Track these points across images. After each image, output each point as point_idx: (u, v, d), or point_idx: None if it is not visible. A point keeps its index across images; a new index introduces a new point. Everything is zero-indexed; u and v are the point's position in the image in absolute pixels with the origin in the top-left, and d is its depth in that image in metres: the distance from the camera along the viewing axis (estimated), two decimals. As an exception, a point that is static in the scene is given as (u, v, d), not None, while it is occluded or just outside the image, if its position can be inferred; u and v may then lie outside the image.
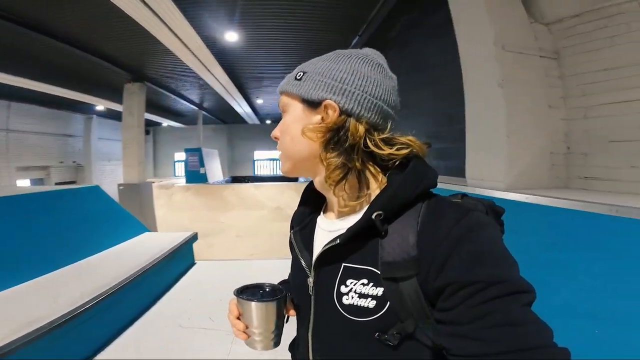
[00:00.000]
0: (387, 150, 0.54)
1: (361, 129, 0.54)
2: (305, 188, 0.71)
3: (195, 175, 12.03)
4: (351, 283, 0.53)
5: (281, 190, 9.68)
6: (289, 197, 9.43)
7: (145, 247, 2.57)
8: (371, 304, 0.50)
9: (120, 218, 3.09)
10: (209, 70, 6.84)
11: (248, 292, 0.64)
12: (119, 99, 8.11)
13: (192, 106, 11.71)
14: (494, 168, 2.22)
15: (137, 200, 7.46)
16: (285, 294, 0.64)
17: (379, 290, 0.50)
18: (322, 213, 0.68)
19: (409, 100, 4.14)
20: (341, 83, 0.56)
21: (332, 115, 0.55)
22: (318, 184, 0.62)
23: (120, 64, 6.74)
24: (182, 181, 12.47)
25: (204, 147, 12.72)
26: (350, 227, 0.53)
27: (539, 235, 1.74)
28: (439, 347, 0.47)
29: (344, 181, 0.55)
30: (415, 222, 0.50)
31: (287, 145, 0.61)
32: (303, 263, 0.63)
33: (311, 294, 0.60)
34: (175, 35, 4.84)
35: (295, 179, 15.31)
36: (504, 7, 2.19)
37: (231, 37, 5.39)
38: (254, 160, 18.47)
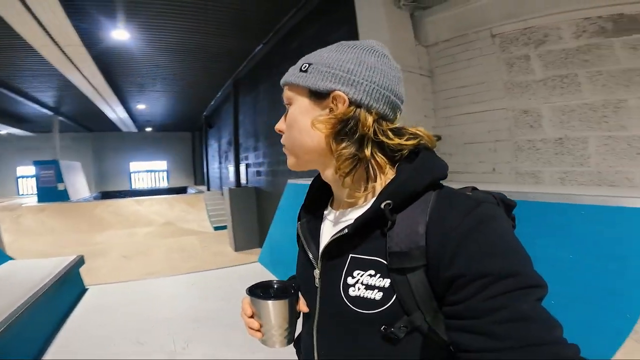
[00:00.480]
0: (396, 140, 0.54)
1: (370, 119, 0.54)
2: (313, 181, 0.71)
3: (52, 193, 10.10)
4: (358, 274, 0.53)
5: (170, 203, 8.92)
6: (181, 210, 8.76)
7: (18, 278, 2.10)
8: (378, 295, 0.50)
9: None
10: (78, 70, 5.88)
11: (259, 291, 0.64)
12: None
13: (44, 110, 9.68)
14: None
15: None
16: (297, 290, 0.63)
17: (386, 282, 0.50)
18: (329, 206, 0.68)
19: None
20: (349, 74, 0.55)
21: (342, 106, 0.55)
22: (328, 176, 0.61)
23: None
24: (32, 200, 10.29)
25: (62, 159, 10.76)
26: (359, 216, 0.53)
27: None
28: (446, 341, 0.48)
29: (353, 172, 0.55)
30: (424, 212, 0.49)
31: (294, 138, 0.60)
32: (310, 255, 0.62)
33: (317, 286, 0.60)
34: (43, 28, 4.05)
35: (184, 190, 14.28)
36: (400, 31, 2.62)
37: (120, 35, 4.79)
38: (131, 173, 16.40)
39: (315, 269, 0.61)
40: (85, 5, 4.04)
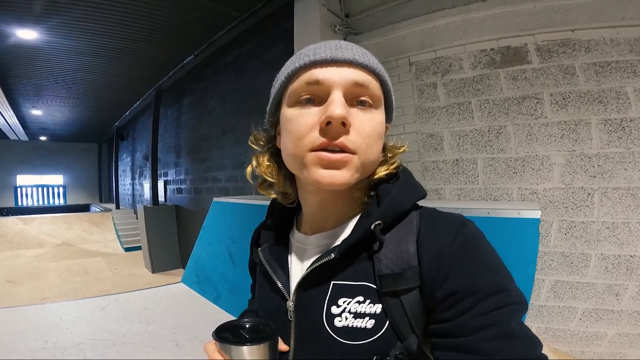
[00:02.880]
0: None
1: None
2: (273, 201, 0.65)
3: None
4: (344, 302, 0.48)
5: (68, 222, 7.78)
6: (83, 230, 7.69)
7: None
8: (369, 323, 0.46)
9: None
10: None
11: (228, 334, 0.52)
12: None
13: None
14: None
15: None
16: (275, 330, 0.52)
17: (377, 308, 0.47)
18: (295, 229, 0.62)
19: (241, 124, 4.36)
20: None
21: (387, 132, 0.56)
22: (343, 197, 0.54)
23: None
24: None
25: None
26: (347, 238, 0.50)
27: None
28: None
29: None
30: (411, 232, 0.48)
31: (377, 154, 0.51)
32: (279, 285, 0.55)
33: (291, 319, 0.54)
34: None
35: (86, 208, 12.54)
36: None
37: (26, 34, 4.21)
38: (17, 187, 13.92)
39: (287, 300, 0.54)
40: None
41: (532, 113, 2.14)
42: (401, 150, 0.56)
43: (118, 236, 8.28)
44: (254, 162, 0.60)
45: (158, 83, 6.55)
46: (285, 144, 0.51)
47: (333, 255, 0.48)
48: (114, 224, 8.79)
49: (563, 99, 2.06)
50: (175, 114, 6.70)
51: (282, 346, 0.53)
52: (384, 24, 2.77)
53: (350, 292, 0.48)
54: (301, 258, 0.57)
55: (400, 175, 0.53)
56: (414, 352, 0.46)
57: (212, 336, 0.51)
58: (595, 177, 1.97)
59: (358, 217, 0.53)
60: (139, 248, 7.02)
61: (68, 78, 6.44)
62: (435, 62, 2.55)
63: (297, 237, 0.60)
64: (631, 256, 1.87)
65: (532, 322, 2.05)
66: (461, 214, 0.51)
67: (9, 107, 7.91)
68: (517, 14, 2.16)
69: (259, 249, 0.62)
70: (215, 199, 3.49)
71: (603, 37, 1.98)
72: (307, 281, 0.52)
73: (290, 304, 0.54)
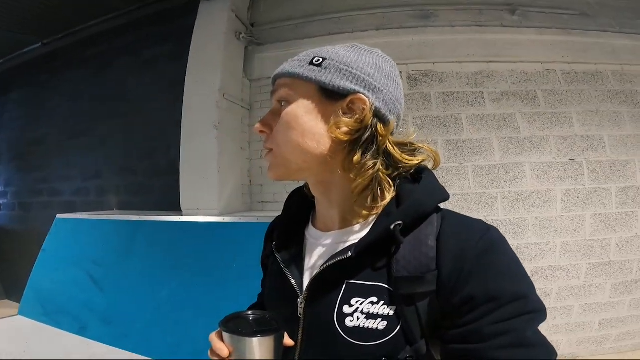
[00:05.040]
0: (405, 157, 0.52)
1: (385, 131, 0.51)
2: (291, 195, 0.65)
3: None
4: (357, 302, 0.48)
5: None
6: None
7: None
8: (381, 325, 0.46)
9: None
10: None
11: (233, 325, 0.51)
12: None
13: None
14: (208, 198, 2.61)
15: None
16: (281, 323, 0.53)
17: (391, 310, 0.46)
18: (311, 225, 0.62)
19: (97, 129, 3.76)
20: (370, 78, 0.51)
21: (365, 111, 0.50)
22: (325, 190, 0.56)
23: None
24: None
25: None
26: (363, 237, 0.49)
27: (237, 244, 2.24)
28: None
29: (370, 187, 0.51)
30: (432, 234, 0.47)
31: (292, 141, 0.52)
32: (292, 281, 0.55)
33: (300, 316, 0.54)
34: None
35: None
36: (232, 61, 2.73)
37: None
38: None
39: (298, 296, 0.54)
40: None
41: (401, 132, 2.59)
42: (408, 164, 0.52)
43: None
44: None
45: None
46: None
47: (350, 254, 0.48)
48: None
49: (421, 121, 2.56)
50: (-7, 111, 5.20)
51: (288, 341, 0.53)
52: (288, 39, 2.89)
53: (364, 292, 0.48)
54: (315, 255, 0.56)
55: (423, 177, 0.52)
56: (423, 356, 0.46)
57: (219, 325, 0.51)
58: (440, 186, 2.57)
59: (375, 216, 0.52)
60: None
61: None
62: None
63: (312, 233, 0.60)
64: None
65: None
66: (483, 220, 0.50)
67: None
68: (399, 45, 2.58)
69: (273, 243, 0.61)
70: (59, 215, 2.92)
71: (452, 70, 2.56)
72: (320, 279, 0.52)
73: (301, 300, 0.53)
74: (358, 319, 0.47)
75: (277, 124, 0.54)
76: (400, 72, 2.36)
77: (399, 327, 0.46)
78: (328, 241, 0.56)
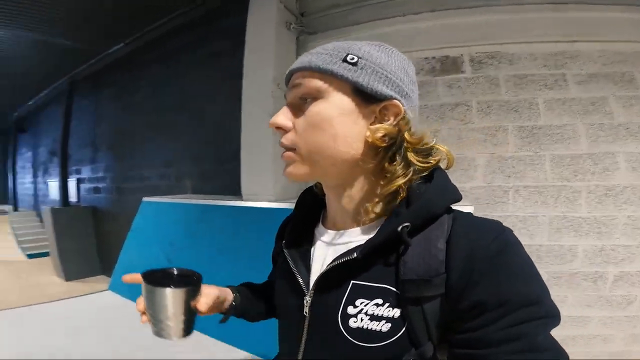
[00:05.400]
0: (422, 160, 0.51)
1: (410, 136, 0.51)
2: (303, 194, 0.65)
3: None
4: (361, 303, 0.47)
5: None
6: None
7: None
8: (385, 327, 0.45)
9: None
10: None
11: (155, 278, 0.58)
12: None
13: None
14: (265, 184, 2.72)
15: None
16: (199, 279, 0.60)
17: (396, 312, 0.45)
18: (321, 224, 0.61)
19: (170, 120, 4.14)
20: (402, 83, 0.51)
21: (398, 117, 0.50)
22: (346, 191, 0.53)
23: None
24: None
25: None
26: (370, 239, 0.49)
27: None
28: None
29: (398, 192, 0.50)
30: (442, 237, 0.46)
31: (320, 142, 0.50)
32: (299, 279, 0.56)
33: (306, 314, 0.54)
34: None
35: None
36: (284, 51, 2.77)
37: None
38: None
39: (304, 295, 0.54)
40: None
41: (462, 118, 2.38)
42: (425, 165, 0.51)
43: (17, 242, 7.20)
44: None
45: (73, 72, 5.86)
46: None
47: (355, 255, 0.48)
48: (12, 228, 7.62)
49: (487, 106, 2.34)
50: (92, 106, 6.03)
51: (201, 305, 0.60)
52: (338, 26, 2.84)
53: (370, 294, 0.47)
54: (324, 254, 0.56)
55: (435, 177, 0.51)
56: (428, 359, 0.45)
57: (141, 276, 0.56)
58: (510, 176, 2.27)
59: (385, 217, 0.51)
60: (45, 254, 6.21)
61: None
62: None
63: (321, 232, 0.59)
64: (540, 245, 2.19)
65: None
66: (499, 221, 0.48)
67: None
68: (457, 26, 2.38)
69: (283, 241, 0.62)
70: (145, 198, 3.28)
71: (524, 52, 2.29)
72: (326, 278, 0.52)
73: (307, 299, 0.54)
74: (362, 320, 0.47)
75: (302, 122, 0.51)
76: (462, 55, 2.13)
77: (403, 329, 0.45)
78: (336, 240, 0.56)
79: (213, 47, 3.64)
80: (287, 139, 0.52)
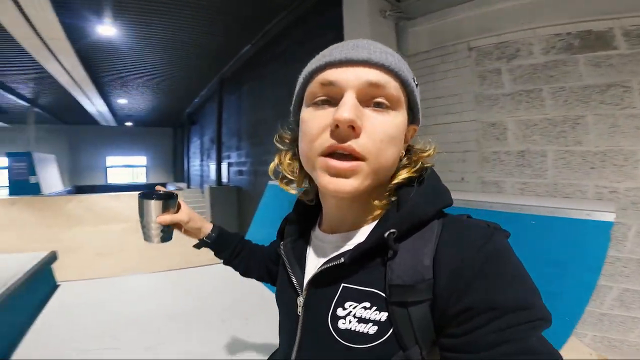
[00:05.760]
0: (412, 167, 0.52)
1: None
2: (300, 197, 0.65)
3: (23, 186, 9.74)
4: (350, 306, 0.48)
5: (147, 200, 8.79)
6: (159, 208, 8.66)
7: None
8: (372, 329, 0.45)
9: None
10: (59, 62, 5.73)
11: (147, 194, 0.76)
12: None
13: (19, 101, 9.28)
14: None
15: None
16: (176, 196, 0.78)
17: (383, 315, 0.45)
18: (317, 227, 0.61)
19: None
20: (419, 107, 0.54)
21: (411, 138, 0.54)
22: (351, 201, 0.52)
23: None
24: (2, 193, 9.92)
25: (37, 151, 10.40)
26: (358, 244, 0.48)
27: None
28: None
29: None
30: (430, 242, 0.45)
31: (391, 159, 0.48)
32: (294, 280, 0.57)
33: (299, 314, 0.55)
34: (28, 20, 3.97)
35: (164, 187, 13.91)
36: (383, 40, 2.68)
37: (105, 30, 4.73)
38: (107, 167, 15.94)
39: (298, 295, 0.55)
40: (73, 1, 4.00)
41: (618, 103, 1.86)
42: (425, 154, 0.53)
43: (188, 214, 9.08)
44: (277, 159, 0.60)
45: (221, 72, 6.92)
46: (301, 146, 0.51)
47: (342, 260, 0.48)
48: (185, 202, 9.63)
49: None
50: (237, 101, 7.05)
51: (168, 216, 0.75)
52: (440, 8, 2.60)
53: (358, 297, 0.47)
54: (318, 256, 0.57)
55: (425, 180, 0.50)
56: None
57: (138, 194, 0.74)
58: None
59: (376, 222, 0.50)
60: (205, 225, 7.67)
61: (145, 69, 7.11)
62: (500, 47, 2.37)
63: (317, 235, 0.59)
64: None
65: (588, 329, 1.85)
66: (492, 225, 0.46)
67: (99, 96, 9.00)
68: None
69: (282, 242, 0.63)
70: (270, 182, 3.63)
71: None
72: (317, 280, 0.52)
73: (300, 299, 0.54)
74: (350, 322, 0.47)
75: (380, 130, 0.45)
76: (610, 29, 1.64)
77: (390, 332, 0.45)
78: (330, 243, 0.55)
79: (318, 42, 3.73)
80: (359, 145, 0.44)
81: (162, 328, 1.76)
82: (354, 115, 0.43)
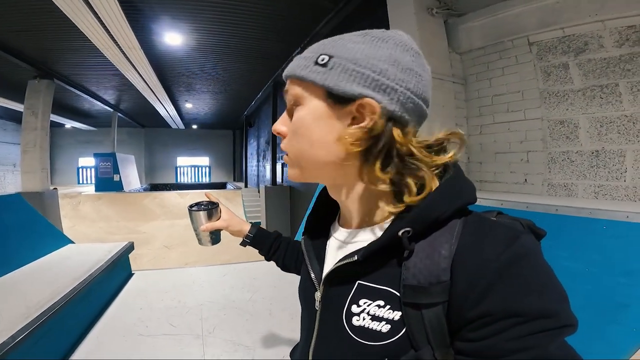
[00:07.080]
0: (427, 159, 0.46)
1: (403, 136, 0.45)
2: (321, 192, 0.64)
3: (108, 183, 11.03)
4: (365, 303, 0.48)
5: (209, 198, 9.51)
6: (220, 205, 9.30)
7: (76, 260, 2.41)
8: (385, 328, 0.45)
9: (43, 229, 2.82)
10: (137, 71, 6.43)
11: (195, 206, 0.89)
12: (20, 98, 7.06)
13: (104, 107, 10.56)
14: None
15: (39, 210, 6.58)
16: (216, 205, 0.89)
17: (396, 315, 0.45)
18: (336, 221, 0.60)
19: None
20: (381, 76, 0.45)
21: (373, 118, 0.45)
22: (340, 193, 0.53)
23: (26, 57, 5.94)
24: (89, 189, 11.32)
25: (118, 152, 11.71)
26: (372, 242, 0.47)
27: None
28: None
29: (385, 195, 0.49)
30: (448, 242, 0.43)
31: (302, 149, 0.50)
32: (312, 275, 0.58)
33: (317, 309, 0.55)
34: (109, 33, 4.55)
35: (224, 186, 14.94)
36: (432, 38, 2.66)
37: (172, 39, 5.24)
38: (177, 167, 17.43)
39: (316, 290, 0.56)
40: (145, 14, 4.49)
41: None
42: (439, 161, 0.46)
43: (245, 212, 9.60)
44: None
45: (274, 75, 7.21)
46: None
47: (356, 258, 0.48)
48: (242, 200, 10.20)
49: None
50: (289, 103, 7.30)
51: (212, 223, 0.88)
52: (492, 2, 2.47)
53: (373, 295, 0.47)
54: (336, 251, 0.56)
55: (446, 175, 0.47)
56: None
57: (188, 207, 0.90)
58: None
59: (393, 217, 0.48)
60: (260, 223, 8.05)
61: (206, 75, 7.66)
62: (564, 41, 2.22)
63: (335, 230, 0.59)
64: None
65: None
66: (523, 222, 0.45)
67: (169, 101, 9.88)
68: None
69: (302, 237, 0.64)
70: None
71: None
72: (333, 276, 0.52)
73: (317, 294, 0.55)
74: (364, 319, 0.47)
75: (290, 128, 0.52)
76: None
77: (403, 331, 0.44)
78: (347, 239, 0.55)
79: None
80: (283, 144, 0.54)
81: (213, 318, 1.94)
82: (278, 126, 0.53)
